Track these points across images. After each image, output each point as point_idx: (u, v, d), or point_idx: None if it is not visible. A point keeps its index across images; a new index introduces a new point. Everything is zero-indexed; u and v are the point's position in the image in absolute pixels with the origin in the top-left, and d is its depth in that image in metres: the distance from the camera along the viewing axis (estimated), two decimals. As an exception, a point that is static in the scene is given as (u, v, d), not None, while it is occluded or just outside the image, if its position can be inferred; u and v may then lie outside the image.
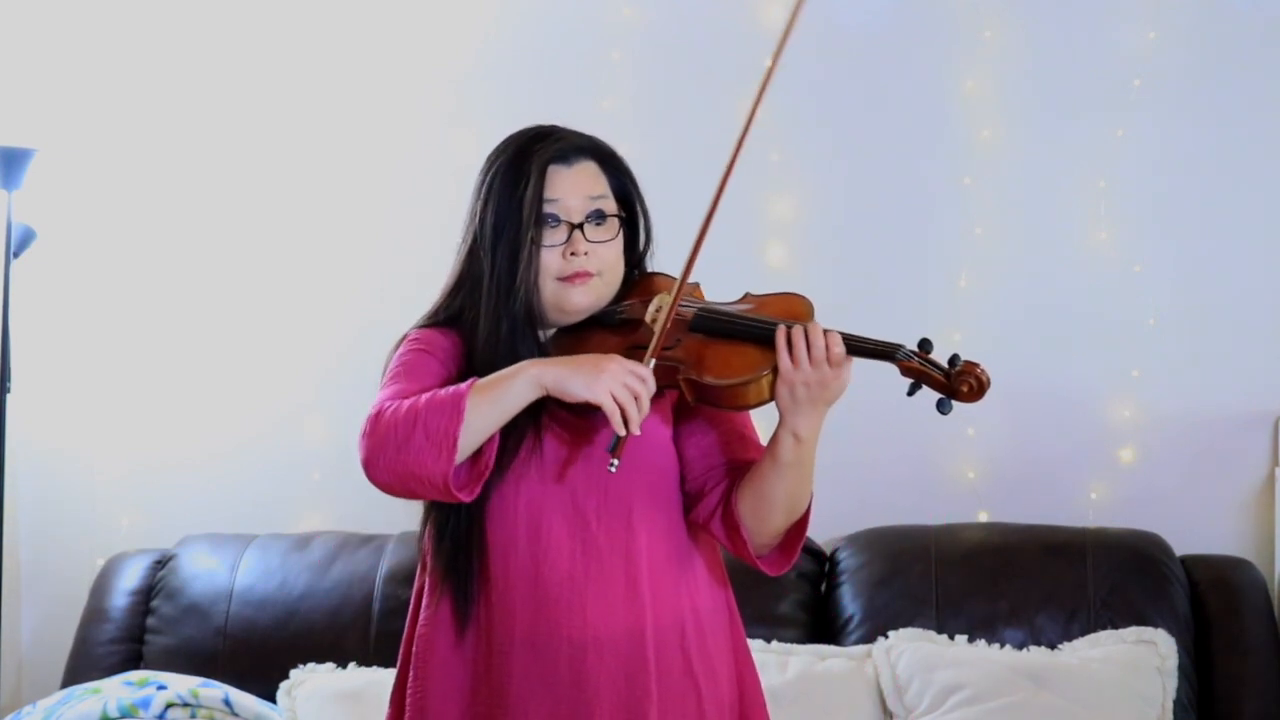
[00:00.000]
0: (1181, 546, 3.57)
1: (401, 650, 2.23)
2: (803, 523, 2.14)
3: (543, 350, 2.16)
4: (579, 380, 1.99)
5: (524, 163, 2.17)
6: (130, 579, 3.74)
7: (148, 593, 3.71)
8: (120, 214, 4.02)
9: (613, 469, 2.00)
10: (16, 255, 3.75)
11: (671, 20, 3.91)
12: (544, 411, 2.10)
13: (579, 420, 2.11)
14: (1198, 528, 3.67)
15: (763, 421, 2.15)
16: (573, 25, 3.93)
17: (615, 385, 1.98)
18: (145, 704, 3.22)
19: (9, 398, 3.73)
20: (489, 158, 2.23)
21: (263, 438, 3.99)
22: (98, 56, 4.00)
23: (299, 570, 3.66)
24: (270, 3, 4.01)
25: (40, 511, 4.03)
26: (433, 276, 4.19)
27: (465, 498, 2.04)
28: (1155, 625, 3.39)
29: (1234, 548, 3.67)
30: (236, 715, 3.28)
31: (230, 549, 3.73)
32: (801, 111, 3.86)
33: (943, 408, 2.03)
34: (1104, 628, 3.41)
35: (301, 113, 3.99)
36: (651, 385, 2.01)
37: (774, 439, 2.07)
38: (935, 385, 2.02)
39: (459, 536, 2.13)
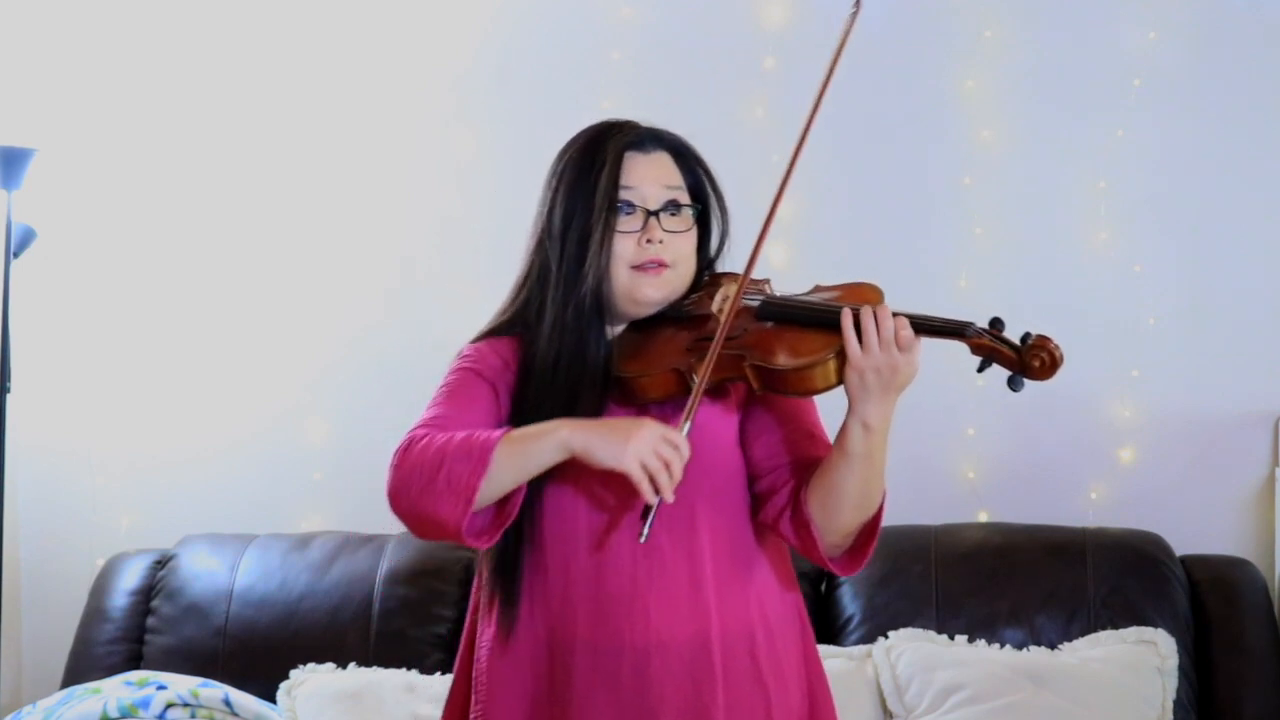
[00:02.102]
0: (1181, 546, 3.57)
1: (457, 664, 2.19)
2: (874, 522, 2.06)
3: (608, 344, 2.11)
4: (607, 448, 1.92)
5: (598, 150, 2.12)
6: (130, 579, 3.73)
7: (148, 593, 3.71)
8: (120, 214, 4.02)
9: (642, 539, 1.95)
10: (16, 255, 3.76)
11: (671, 20, 3.91)
12: (602, 410, 2.07)
13: (639, 417, 2.05)
14: (1198, 528, 3.67)
15: (831, 419, 2.09)
16: (573, 25, 3.93)
17: (645, 453, 1.91)
18: (145, 704, 3.22)
19: (9, 398, 3.73)
20: (560, 152, 2.17)
21: (263, 437, 3.99)
22: (98, 56, 4.00)
23: (299, 570, 3.66)
24: (270, 3, 4.01)
25: (40, 511, 4.03)
26: (432, 276, 4.21)
27: (479, 544, 2.01)
28: (1155, 625, 3.39)
29: (1234, 548, 3.67)
30: (236, 715, 3.28)
31: (230, 549, 3.72)
32: (802, 111, 3.84)
33: (1014, 385, 1.94)
34: (1104, 628, 3.41)
35: (301, 113, 3.99)
36: (685, 451, 1.94)
37: (843, 429, 2.00)
38: (1006, 362, 1.95)
39: (507, 536, 2.06)
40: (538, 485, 2.05)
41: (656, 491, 1.92)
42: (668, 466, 1.92)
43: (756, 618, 2.10)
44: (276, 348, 4.01)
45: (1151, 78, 3.76)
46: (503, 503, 2.00)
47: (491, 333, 2.18)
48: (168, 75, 4.01)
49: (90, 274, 4.02)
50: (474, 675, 2.14)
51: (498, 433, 1.97)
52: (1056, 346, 1.93)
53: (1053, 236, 3.81)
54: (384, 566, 3.63)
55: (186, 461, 4.01)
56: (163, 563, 3.75)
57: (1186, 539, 3.60)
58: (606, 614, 2.03)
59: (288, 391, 3.99)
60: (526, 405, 2.08)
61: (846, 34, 2.13)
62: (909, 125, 3.85)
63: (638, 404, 2.07)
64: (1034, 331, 1.95)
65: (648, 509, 1.94)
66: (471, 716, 2.13)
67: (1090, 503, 3.76)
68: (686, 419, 1.97)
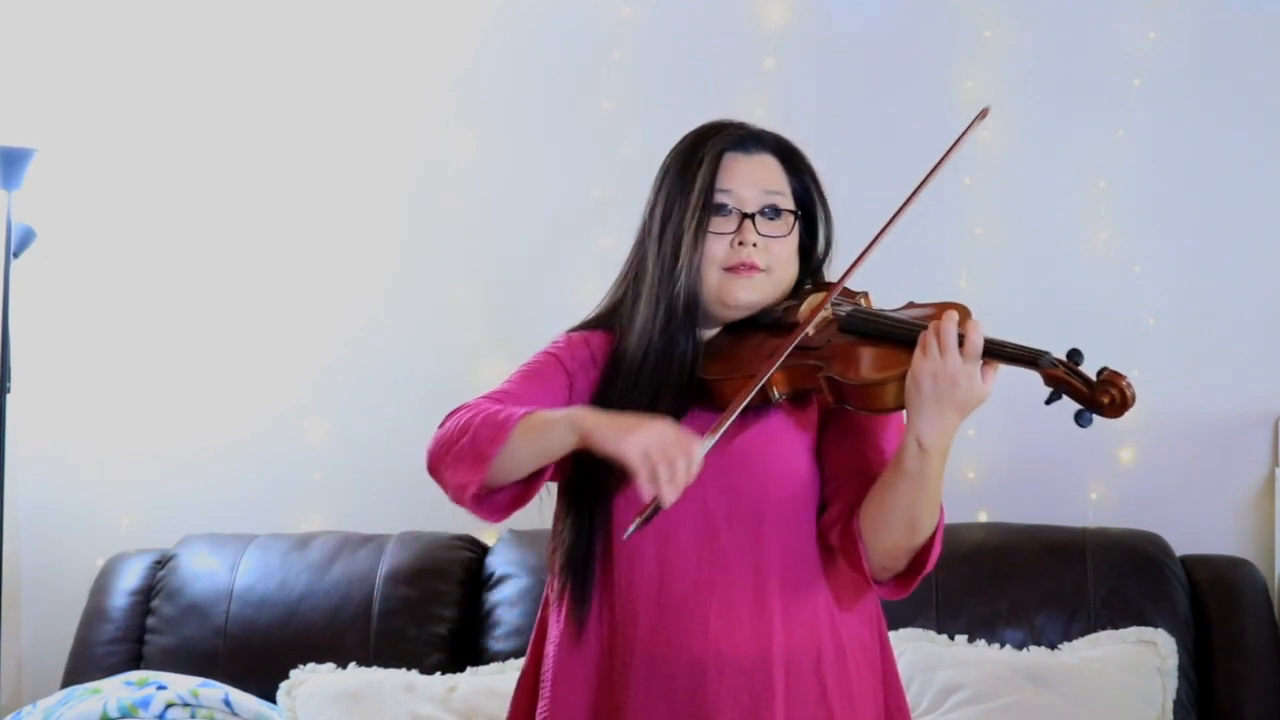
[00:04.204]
0: (1181, 546, 3.57)
1: (527, 658, 2.18)
2: (925, 552, 1.99)
3: (698, 347, 2.08)
4: (611, 433, 1.87)
5: (699, 149, 2.11)
6: (130, 579, 3.73)
7: (148, 593, 3.71)
8: (120, 214, 4.02)
9: (626, 535, 1.89)
10: (16, 255, 3.76)
11: (671, 20, 3.91)
12: (684, 412, 2.04)
13: (712, 421, 2.01)
14: (1198, 528, 3.66)
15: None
16: (573, 25, 3.93)
17: (651, 444, 1.83)
18: (145, 704, 3.22)
19: (9, 398, 3.73)
20: (670, 149, 2.16)
21: (263, 438, 3.99)
22: (98, 56, 4.00)
23: (299, 570, 3.65)
24: (270, 3, 4.01)
25: (40, 511, 4.03)
26: (432, 276, 4.21)
27: (489, 518, 2.01)
28: (1155, 625, 3.39)
29: (1234, 548, 3.67)
30: (236, 715, 3.28)
31: (230, 549, 3.72)
32: (801, 111, 3.85)
33: (1081, 420, 1.89)
34: (1104, 628, 3.40)
35: (301, 113, 3.99)
36: (696, 467, 1.84)
37: (901, 445, 1.93)
38: (1076, 395, 1.89)
39: (579, 531, 2.06)
40: (614, 484, 2.02)
41: (657, 485, 1.82)
42: (671, 465, 1.83)
43: (826, 636, 2.05)
44: (276, 348, 4.00)
45: (1151, 78, 3.76)
46: (526, 485, 2.00)
47: (589, 324, 2.17)
48: (168, 75, 4.01)
49: (90, 274, 4.02)
50: (542, 671, 2.12)
51: (522, 410, 1.96)
52: (1129, 385, 1.88)
53: (1053, 236, 3.81)
54: (384, 566, 3.63)
55: (186, 461, 4.01)
56: (163, 563, 3.75)
57: (1186, 539, 3.60)
58: (666, 622, 2.01)
59: (288, 391, 3.99)
60: (609, 401, 2.06)
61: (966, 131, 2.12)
62: (909, 125, 3.85)
63: (718, 408, 2.01)
64: (1109, 367, 1.91)
65: (644, 510, 1.87)
66: (538, 713, 2.11)
67: (1090, 503, 3.75)
68: (713, 435, 1.91)
